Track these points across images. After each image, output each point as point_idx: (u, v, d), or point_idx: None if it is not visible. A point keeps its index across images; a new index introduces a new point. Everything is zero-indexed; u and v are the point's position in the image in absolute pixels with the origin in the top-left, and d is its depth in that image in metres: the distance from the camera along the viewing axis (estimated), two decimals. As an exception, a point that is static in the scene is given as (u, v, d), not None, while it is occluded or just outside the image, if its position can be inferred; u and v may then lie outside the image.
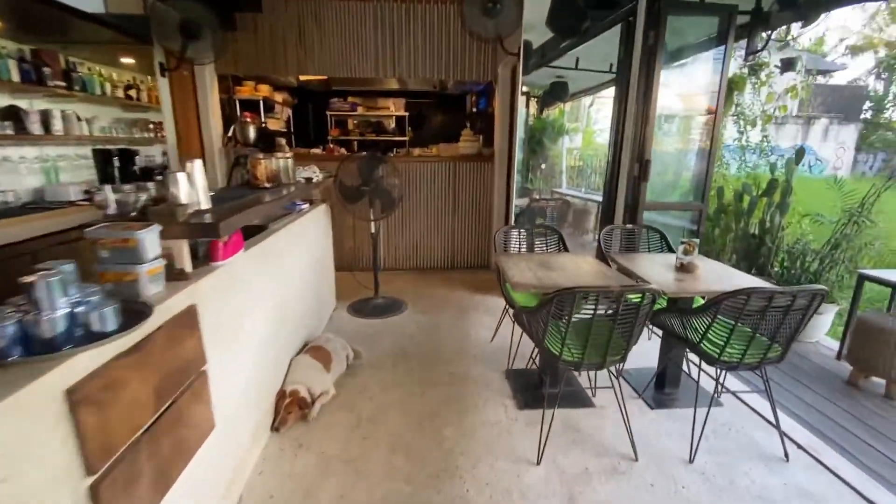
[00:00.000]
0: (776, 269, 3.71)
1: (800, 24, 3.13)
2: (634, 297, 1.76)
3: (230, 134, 4.30)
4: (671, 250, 2.84)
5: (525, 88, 7.28)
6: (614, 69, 5.83)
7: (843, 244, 3.26)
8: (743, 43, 3.22)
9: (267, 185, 2.38)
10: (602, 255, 2.87)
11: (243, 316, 1.79)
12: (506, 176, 3.86)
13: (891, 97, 17.95)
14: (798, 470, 1.91)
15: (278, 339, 2.21)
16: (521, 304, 2.43)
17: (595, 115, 9.74)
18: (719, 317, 1.83)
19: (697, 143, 3.81)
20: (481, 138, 4.80)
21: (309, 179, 2.74)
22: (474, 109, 5.50)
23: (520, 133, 5.44)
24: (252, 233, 2.16)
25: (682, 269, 2.27)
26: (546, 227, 3.00)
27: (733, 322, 1.81)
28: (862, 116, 17.15)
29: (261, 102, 5.29)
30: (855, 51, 19.57)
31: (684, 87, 3.81)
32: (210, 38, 3.18)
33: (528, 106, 7.68)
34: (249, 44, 4.12)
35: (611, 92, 7.17)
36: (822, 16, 3.08)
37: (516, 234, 2.97)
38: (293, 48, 4.15)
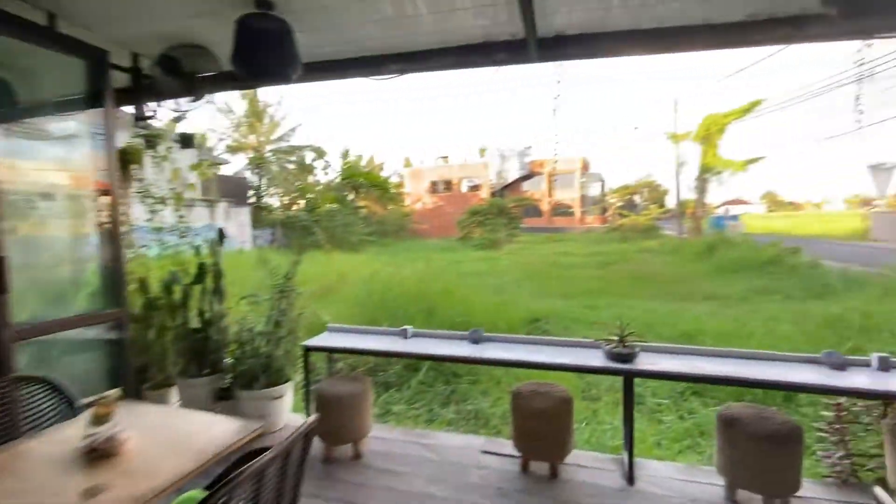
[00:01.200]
0: (230, 360, 3.31)
1: (190, 99, 2.85)
2: None
3: None
4: (73, 407, 1.66)
5: None
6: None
7: (283, 319, 3.29)
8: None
9: None
10: None
11: None
12: None
13: (263, 187, 24.24)
14: None
15: None
16: None
17: None
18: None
19: (98, 226, 2.77)
20: None
21: None
22: None
23: None
24: None
25: (98, 455, 1.24)
26: None
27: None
28: (249, 201, 21.73)
29: None
30: (232, 150, 24.58)
31: (63, 153, 2.74)
32: None
33: None
34: None
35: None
36: (208, 96, 2.95)
37: None
38: None
